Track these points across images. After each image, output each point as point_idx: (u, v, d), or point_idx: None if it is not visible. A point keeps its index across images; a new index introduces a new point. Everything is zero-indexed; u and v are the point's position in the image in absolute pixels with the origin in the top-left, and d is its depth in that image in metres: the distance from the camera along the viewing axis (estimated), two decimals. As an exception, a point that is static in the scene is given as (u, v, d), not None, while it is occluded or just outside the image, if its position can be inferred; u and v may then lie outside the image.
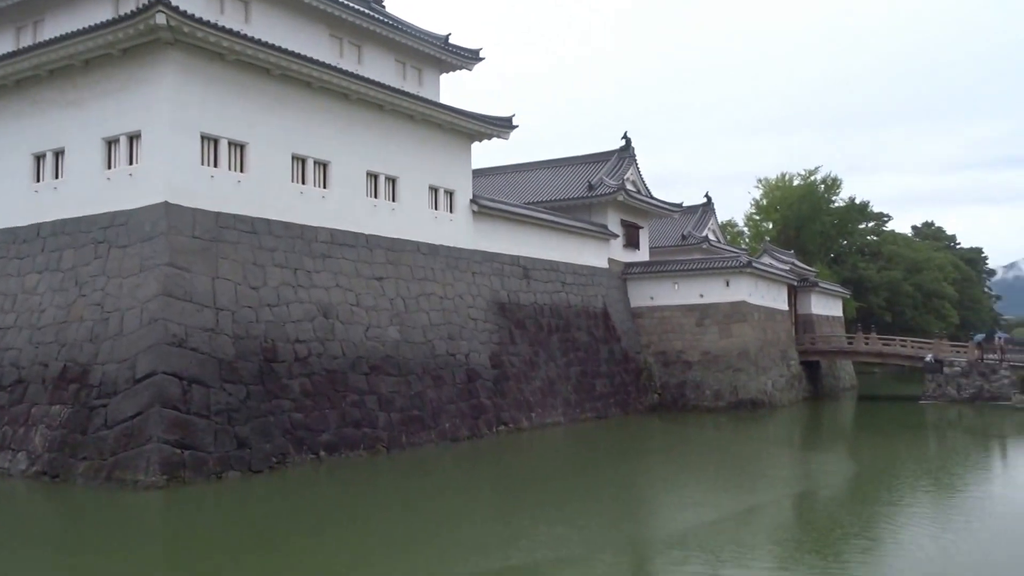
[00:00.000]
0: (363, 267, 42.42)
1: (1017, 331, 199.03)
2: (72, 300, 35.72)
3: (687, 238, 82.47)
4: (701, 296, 64.60)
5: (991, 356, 67.50)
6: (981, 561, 19.56)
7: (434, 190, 48.32)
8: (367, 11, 45.77)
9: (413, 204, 46.61)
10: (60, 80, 38.12)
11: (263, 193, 38.14)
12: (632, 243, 68.98)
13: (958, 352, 69.97)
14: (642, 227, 70.98)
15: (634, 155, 69.17)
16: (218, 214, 36.00)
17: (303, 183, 40.38)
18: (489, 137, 51.61)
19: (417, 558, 20.52)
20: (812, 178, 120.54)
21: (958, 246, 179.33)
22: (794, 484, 31.71)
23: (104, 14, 38.62)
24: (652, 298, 66.27)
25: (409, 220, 46.11)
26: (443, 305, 46.73)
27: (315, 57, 40.73)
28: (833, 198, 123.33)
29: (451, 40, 50.84)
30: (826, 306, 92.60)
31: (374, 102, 43.56)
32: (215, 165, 36.39)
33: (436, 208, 48.44)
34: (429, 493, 30.02)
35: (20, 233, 39.50)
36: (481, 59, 51.96)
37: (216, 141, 36.52)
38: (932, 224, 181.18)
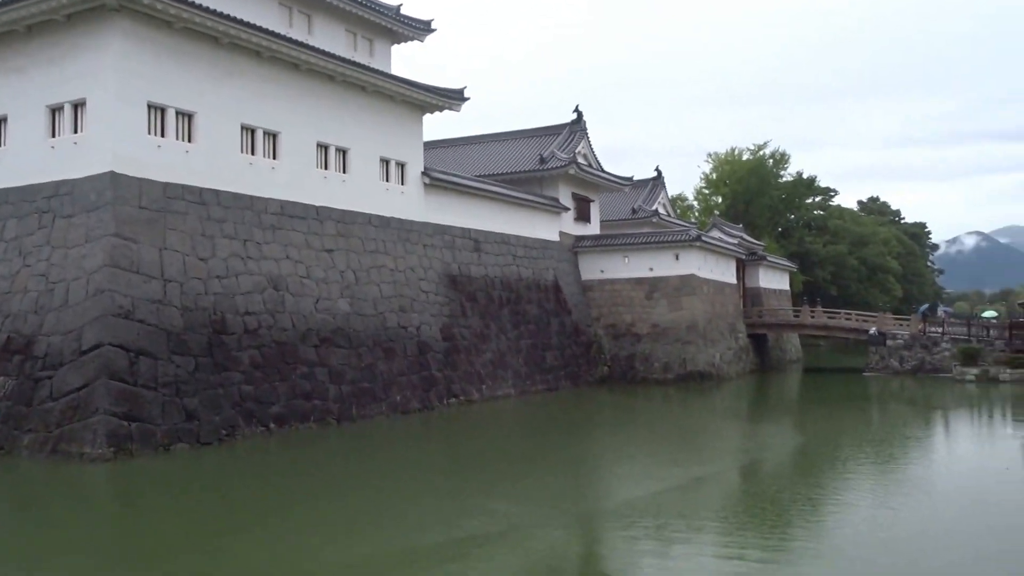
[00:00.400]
0: (313, 239, 42.08)
1: (958, 304, 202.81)
2: (16, 271, 35.04)
3: (637, 212, 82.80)
4: (651, 269, 64.96)
5: (934, 329, 68.70)
6: (922, 530, 19.96)
7: (385, 162, 47.99)
8: (318, -20, 45.17)
9: (364, 176, 46.26)
10: (2, 47, 37.18)
11: (212, 163, 37.61)
12: (583, 216, 69.10)
13: (901, 325, 71.15)
14: (593, 200, 71.12)
15: (585, 129, 69.17)
16: (166, 184, 35.46)
17: (253, 154, 39.89)
18: (441, 109, 51.28)
19: (365, 532, 20.51)
20: (761, 153, 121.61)
21: (902, 221, 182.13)
22: (740, 456, 32.08)
23: (47, -21, 37.69)
24: (602, 271, 66.52)
25: (360, 192, 45.77)
26: (394, 278, 46.55)
27: (265, 26, 40.14)
28: (781, 173, 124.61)
29: (403, 11, 50.34)
30: (774, 280, 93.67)
31: (325, 72, 43.07)
32: (162, 135, 35.81)
33: (387, 180, 48.12)
34: (379, 466, 29.99)
35: (-39, 202, 38.62)
36: (433, 30, 51.53)
37: (163, 110, 35.91)
38: (877, 199, 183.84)
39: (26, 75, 36.39)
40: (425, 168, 51.14)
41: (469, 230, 54.45)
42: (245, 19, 38.79)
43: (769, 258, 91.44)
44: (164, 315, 33.35)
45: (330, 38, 46.16)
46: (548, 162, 64.43)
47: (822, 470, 28.37)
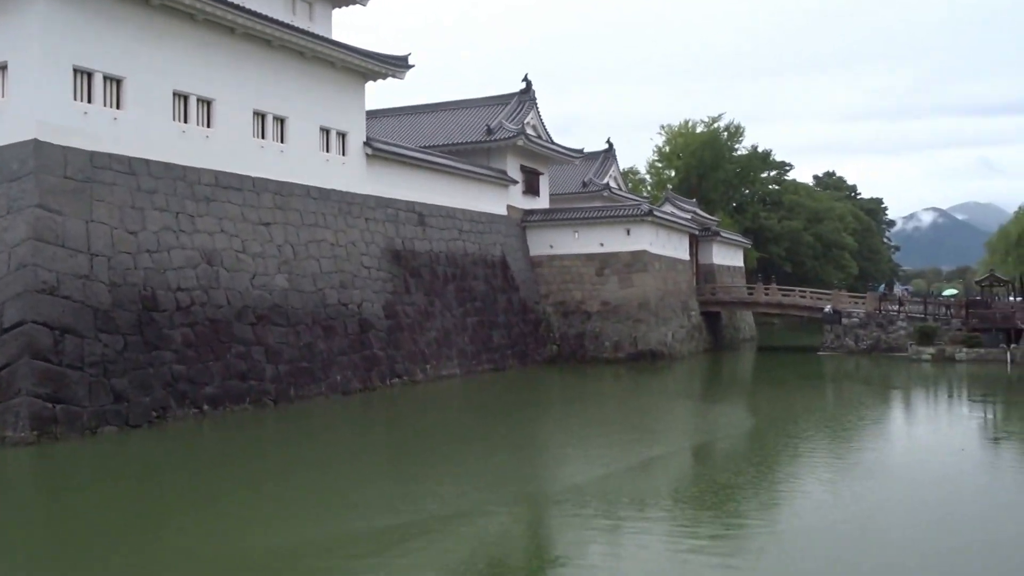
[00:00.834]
0: (250, 212, 41.71)
1: (915, 282, 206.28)
2: (-69, 244, 34.30)
3: (588, 185, 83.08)
4: (602, 245, 65.29)
5: (892, 308, 69.86)
6: (875, 508, 20.38)
7: (325, 131, 47.64)
8: (254, -62, 44.54)
9: (303, 146, 45.90)
10: (-86, 4, 36.23)
11: (142, 131, 37.05)
12: (532, 190, 69.18)
13: (857, 303, 72.27)
14: (542, 173, 71.20)
15: (535, 99, 69.12)
16: (93, 153, 34.87)
17: (185, 121, 39.37)
18: (384, 77, 50.97)
19: (302, 518, 20.47)
20: (715, 125, 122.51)
21: (858, 196, 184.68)
22: (692, 436, 32.45)
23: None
24: (552, 247, 66.72)
25: (299, 162, 45.41)
26: (334, 252, 46.32)
27: (197, -14, 39.51)
28: (736, 146, 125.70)
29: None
30: (727, 256, 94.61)
31: (261, 37, 42.57)
32: (89, 101, 35.19)
33: (327, 150, 47.78)
34: (319, 449, 29.95)
35: None
36: (376, -7, 51.13)
37: (90, 75, 35.27)
38: (833, 174, 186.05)
39: (-60, 35, 35.51)
40: (367, 138, 50.84)
41: (413, 203, 54.27)
42: (176, -21, 38.17)
43: (723, 234, 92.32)
44: (91, 291, 32.89)
45: (267, 1, 45.57)
46: (496, 133, 64.35)
47: (775, 451, 28.77)
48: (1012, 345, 60.40)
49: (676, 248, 72.78)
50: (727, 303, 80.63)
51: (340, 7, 50.84)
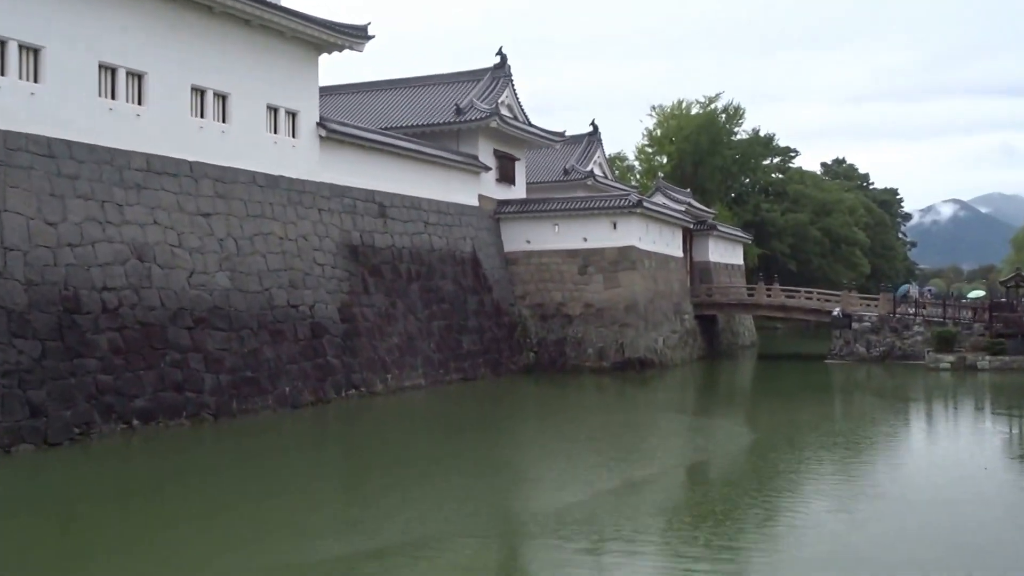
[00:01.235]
0: (187, 201, 41.34)
1: (934, 281, 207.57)
2: None
3: (570, 173, 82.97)
4: (585, 240, 65.20)
5: (905, 311, 70.04)
6: (887, 536, 20.29)
7: (273, 110, 47.29)
8: None
9: (248, 126, 45.53)
10: None
11: (63, 109, 36.60)
12: (507, 177, 69.01)
13: (868, 306, 72.49)
14: (518, 159, 71.04)
15: (510, 75, 68.96)
16: (6, 133, 34.42)
17: (113, 98, 38.96)
18: (340, 49, 50.67)
19: (246, 547, 20.21)
20: (712, 107, 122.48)
21: (871, 186, 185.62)
22: (685, 455, 32.37)
23: None
24: (529, 242, 66.58)
25: (243, 145, 45.05)
26: (283, 247, 46.00)
27: (127, -55, 39.14)
28: (735, 130, 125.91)
29: (294, -69, 49.57)
30: (725, 253, 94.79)
31: (201, 2, 42.19)
32: (2, 73, 34.72)
33: (276, 131, 47.45)
34: (263, 470, 29.66)
35: None
36: (331, -45, 50.87)
37: (3, 43, 34.80)
38: (843, 161, 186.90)
39: None
40: (321, 118, 50.53)
41: (373, 192, 54.00)
42: (103, -64, 37.76)
43: (720, 228, 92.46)
44: (3, 291, 32.45)
45: (207, -38, 45.24)
46: (466, 113, 64.13)
47: (777, 472, 28.71)
48: (1041, 352, 60.70)
49: (668, 244, 72.81)
50: (725, 305, 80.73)
51: (290, -30, 50.56)
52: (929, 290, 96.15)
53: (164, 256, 39.29)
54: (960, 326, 66.65)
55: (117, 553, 19.82)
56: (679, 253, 76.24)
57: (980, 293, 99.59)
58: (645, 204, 67.01)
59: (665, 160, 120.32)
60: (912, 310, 70.21)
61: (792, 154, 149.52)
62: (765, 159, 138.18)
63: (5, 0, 34.67)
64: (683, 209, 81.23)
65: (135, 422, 35.08)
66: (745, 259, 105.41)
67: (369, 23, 51.33)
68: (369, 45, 51.73)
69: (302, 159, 48.95)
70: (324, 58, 51.08)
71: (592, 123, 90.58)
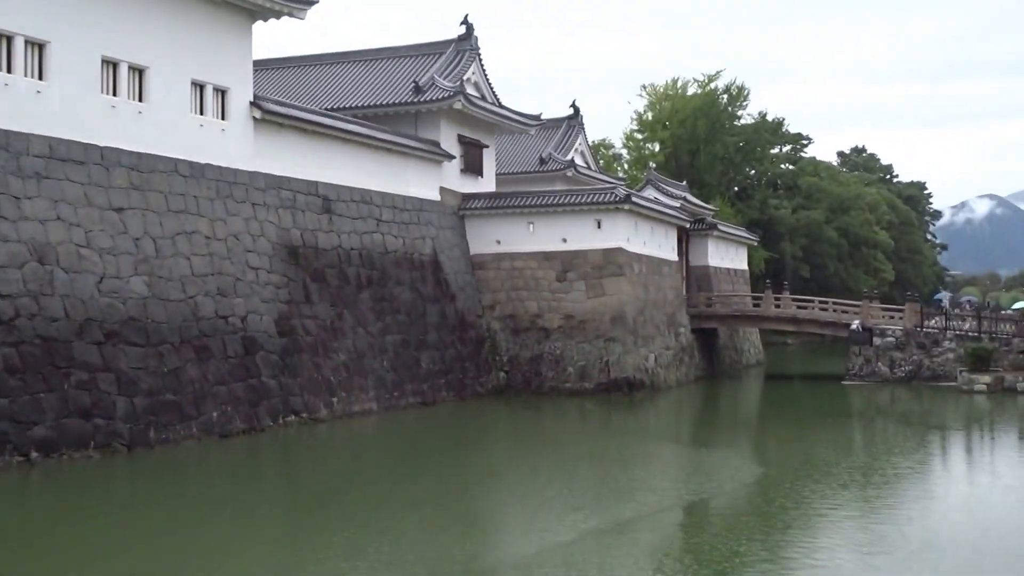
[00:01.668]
0: (96, 193, 41.04)
1: (966, 290, 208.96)
2: None
3: (547, 162, 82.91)
4: (564, 241, 65.12)
5: (933, 324, 70.23)
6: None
7: (199, 87, 47.01)
8: None
9: (169, 106, 45.23)
10: None
11: (-51, 85, 36.31)
12: (473, 168, 68.90)
13: (892, 318, 72.71)
14: (487, 146, 70.94)
15: (478, 48, 68.86)
16: None
17: (9, 71, 38.66)
18: (278, 16, 50.45)
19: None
20: (712, 86, 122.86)
21: (895, 179, 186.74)
22: (680, 493, 32.27)
23: None
24: (499, 242, 66.47)
25: (163, 128, 44.77)
26: (211, 248, 45.72)
27: None
28: (739, 113, 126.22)
29: None
30: (727, 256, 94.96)
31: (113, -39, 41.99)
32: None
33: (202, 112, 47.17)
34: (185, 509, 29.44)
35: None
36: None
37: None
38: (863, 150, 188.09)
39: None
40: (255, 97, 50.30)
41: (316, 183, 53.78)
42: None
43: (722, 227, 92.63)
44: None
45: (122, -87, 44.96)
46: (426, 92, 63.97)
47: (786, 515, 28.66)
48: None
49: (661, 245, 72.85)
50: (726, 317, 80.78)
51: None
52: (968, 300, 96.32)
53: (69, 258, 38.95)
54: (998, 342, 66.98)
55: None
56: (673, 256, 76.30)
57: (1022, 304, 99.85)
58: (634, 199, 67.01)
59: (657, 148, 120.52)
60: (941, 323, 70.43)
61: (804, 142, 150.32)
62: (773, 147, 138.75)
63: None
64: (678, 205, 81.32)
65: (34, 454, 34.69)
66: (750, 263, 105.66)
67: (312, -15, 51.18)
68: (312, 11, 51.49)
69: (233, 145, 48.65)
70: (260, 26, 50.83)
71: (573, 104, 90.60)
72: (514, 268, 66.16)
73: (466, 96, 64.39)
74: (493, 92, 70.38)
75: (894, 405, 58.16)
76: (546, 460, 39.18)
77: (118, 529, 26.97)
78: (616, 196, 65.43)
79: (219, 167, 47.56)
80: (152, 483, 33.76)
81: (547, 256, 65.56)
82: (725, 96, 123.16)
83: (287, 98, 58.52)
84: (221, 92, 48.23)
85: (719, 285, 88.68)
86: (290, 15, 50.68)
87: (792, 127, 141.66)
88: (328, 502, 30.82)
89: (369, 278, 55.87)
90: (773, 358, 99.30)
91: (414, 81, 64.86)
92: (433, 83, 64.57)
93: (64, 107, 40.45)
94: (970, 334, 68.78)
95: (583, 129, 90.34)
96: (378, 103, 64.24)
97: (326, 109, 59.89)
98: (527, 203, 66.53)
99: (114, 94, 42.87)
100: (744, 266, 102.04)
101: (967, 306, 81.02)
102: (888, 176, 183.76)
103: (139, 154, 43.46)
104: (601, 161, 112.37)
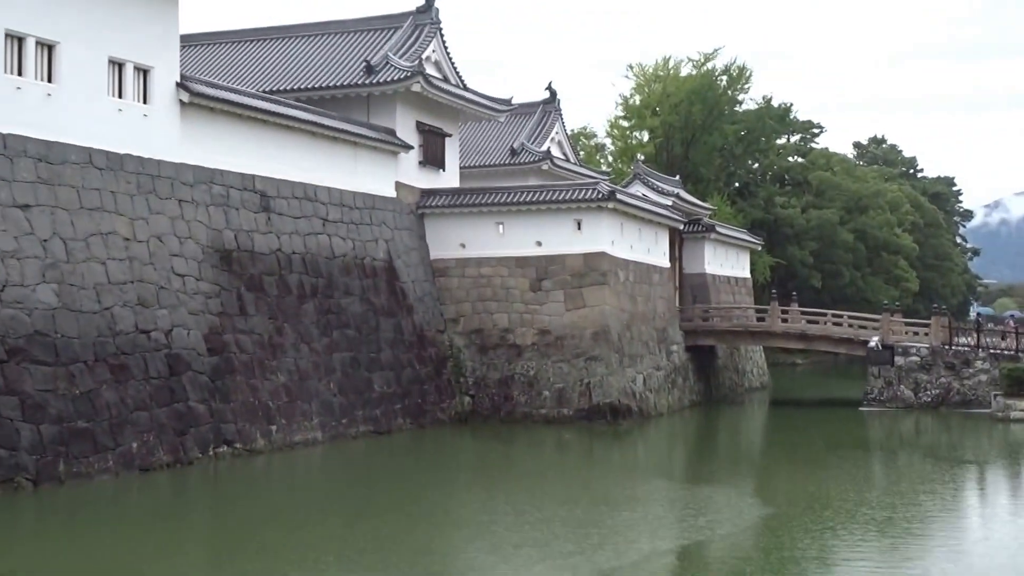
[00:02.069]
0: (-3, 188, 40.99)
1: (1001, 302, 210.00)
2: None
3: (519, 154, 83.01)
4: (539, 244, 65.19)
5: (964, 341, 70.40)
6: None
7: (117, 65, 46.95)
8: None
9: (83, 87, 45.15)
10: None
11: None
12: (434, 159, 68.93)
13: (917, 334, 72.91)
14: (450, 135, 71.01)
15: (439, 22, 68.89)
16: None
17: None
18: (209, -17, 50.48)
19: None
20: (709, 66, 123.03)
21: (920, 174, 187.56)
22: (674, 536, 32.38)
23: None
24: (464, 246, 66.49)
25: (76, 113, 44.71)
26: (130, 252, 45.64)
27: None
28: (740, 97, 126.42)
29: None
30: (727, 262, 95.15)
31: (19, -81, 41.98)
32: None
33: (120, 95, 47.10)
34: (94, 559, 29.32)
35: None
36: None
37: None
38: (883, 140, 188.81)
39: None
40: (183, 77, 50.26)
41: (253, 177, 53.76)
42: None
43: (720, 229, 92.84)
44: None
45: None
46: (380, 72, 63.99)
47: (796, 562, 28.79)
48: None
49: (650, 250, 73.00)
50: (726, 333, 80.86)
51: None
52: (1012, 316, 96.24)
53: (-34, 263, 38.87)
54: (1038, 361, 67.20)
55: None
56: (665, 262, 76.46)
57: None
58: (620, 196, 67.10)
59: (646, 137, 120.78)
60: (973, 339, 70.61)
61: (815, 130, 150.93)
62: (780, 137, 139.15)
63: None
64: (670, 203, 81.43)
65: (-76, 491, 34.66)
66: (753, 271, 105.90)
67: (249, -51, 51.28)
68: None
69: (157, 132, 48.59)
70: (188, -4, 50.81)
71: (549, 87, 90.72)
72: (481, 275, 66.15)
73: (425, 77, 64.42)
74: (457, 73, 70.45)
75: (919, 435, 58.42)
76: (517, 500, 39.10)
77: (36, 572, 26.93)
78: (599, 193, 65.47)
79: (140, 158, 47.48)
80: (60, 524, 33.57)
81: (519, 262, 65.56)
82: (724, 78, 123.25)
83: (220, 79, 58.49)
84: (143, 71, 48.15)
85: (717, 296, 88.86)
86: (223, -18, 50.76)
87: (801, 114, 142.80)
88: (260, 550, 30.78)
89: (313, 287, 55.82)
90: (780, 381, 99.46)
91: (365, 60, 64.90)
92: (387, 62, 64.57)
93: (-40, 88, 40.44)
94: (1006, 352, 69.06)
95: (561, 116, 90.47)
96: (324, 85, 64.26)
97: (264, 92, 59.86)
98: (496, 200, 66.54)
99: (19, 73, 42.80)
100: (746, 274, 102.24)
101: (1010, 322, 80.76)
102: (912, 170, 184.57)
103: (48, 143, 43.40)
104: (582, 152, 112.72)
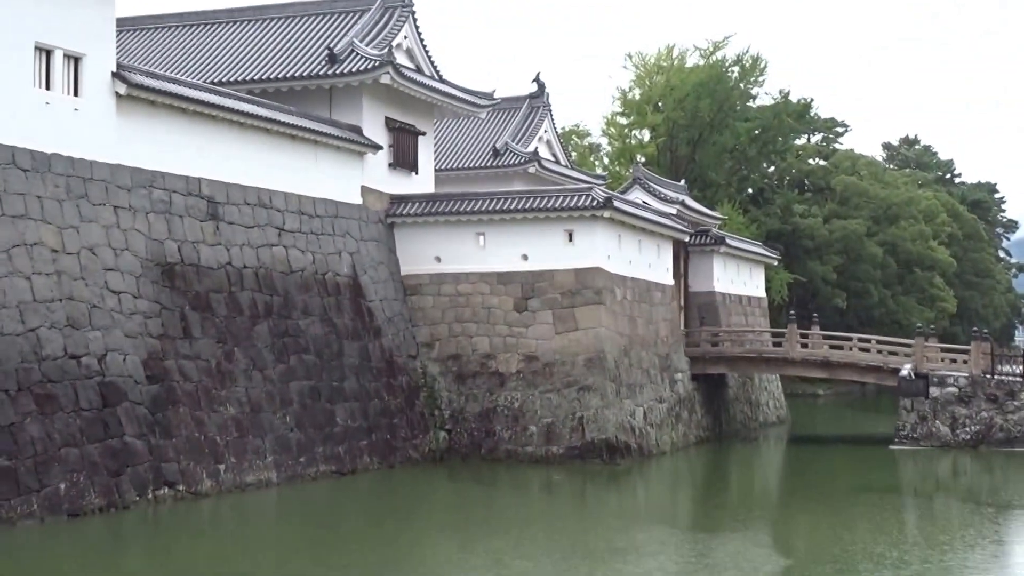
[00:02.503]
0: (-93, 192, 40.95)
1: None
2: None
3: (503, 155, 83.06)
4: (525, 258, 65.20)
5: (1009, 370, 70.48)
6: None
7: (44, 52, 46.94)
8: None
9: (4, 77, 45.14)
10: None
11: None
12: (405, 161, 68.99)
13: (955, 362, 72.94)
14: (423, 133, 71.05)
15: (411, 5, 68.92)
16: None
17: None
18: (149, -40, 50.54)
19: None
20: (719, 55, 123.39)
21: (958, 179, 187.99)
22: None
23: None
24: (439, 259, 66.49)
25: (-3, 107, 44.76)
26: (58, 266, 45.57)
27: None
28: (754, 92, 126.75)
29: None
30: (738, 279, 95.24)
31: None
32: None
33: (48, 86, 47.09)
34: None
35: None
36: None
37: None
38: (916, 141, 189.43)
39: None
40: (119, 66, 50.27)
41: (199, 181, 53.73)
42: None
43: (731, 241, 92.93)
44: None
45: None
46: (344, 61, 64.04)
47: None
48: None
49: (652, 264, 73.05)
50: (738, 360, 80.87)
51: None
52: None
53: None
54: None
55: None
56: (668, 279, 76.51)
57: None
58: (617, 204, 67.14)
59: (647, 137, 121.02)
60: (1019, 368, 70.73)
61: (839, 129, 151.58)
62: (799, 137, 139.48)
63: None
64: (674, 212, 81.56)
65: None
66: (768, 289, 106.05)
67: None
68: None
69: (89, 129, 48.54)
70: (126, -27, 50.84)
71: (537, 79, 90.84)
72: (459, 294, 66.13)
73: (396, 67, 64.45)
74: (432, 63, 70.53)
75: (957, 477, 58.49)
76: (498, 551, 39.08)
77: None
78: (593, 200, 65.45)
79: (70, 158, 47.43)
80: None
81: (502, 278, 65.57)
82: (736, 69, 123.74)
83: (162, 68, 58.51)
84: (74, 60, 48.14)
85: (728, 317, 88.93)
86: (166, -42, 50.82)
87: (823, 110, 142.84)
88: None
89: (268, 306, 55.76)
90: (799, 414, 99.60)
91: (328, 47, 64.95)
92: (352, 50, 64.61)
93: None
94: (1055, 384, 69.20)
95: (550, 112, 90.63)
96: (281, 76, 64.34)
97: (213, 83, 59.92)
98: (476, 208, 66.54)
99: (-68, 61, 42.90)
100: (761, 292, 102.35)
101: None
102: (949, 175, 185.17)
103: (-36, 141, 43.47)
104: (574, 154, 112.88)
